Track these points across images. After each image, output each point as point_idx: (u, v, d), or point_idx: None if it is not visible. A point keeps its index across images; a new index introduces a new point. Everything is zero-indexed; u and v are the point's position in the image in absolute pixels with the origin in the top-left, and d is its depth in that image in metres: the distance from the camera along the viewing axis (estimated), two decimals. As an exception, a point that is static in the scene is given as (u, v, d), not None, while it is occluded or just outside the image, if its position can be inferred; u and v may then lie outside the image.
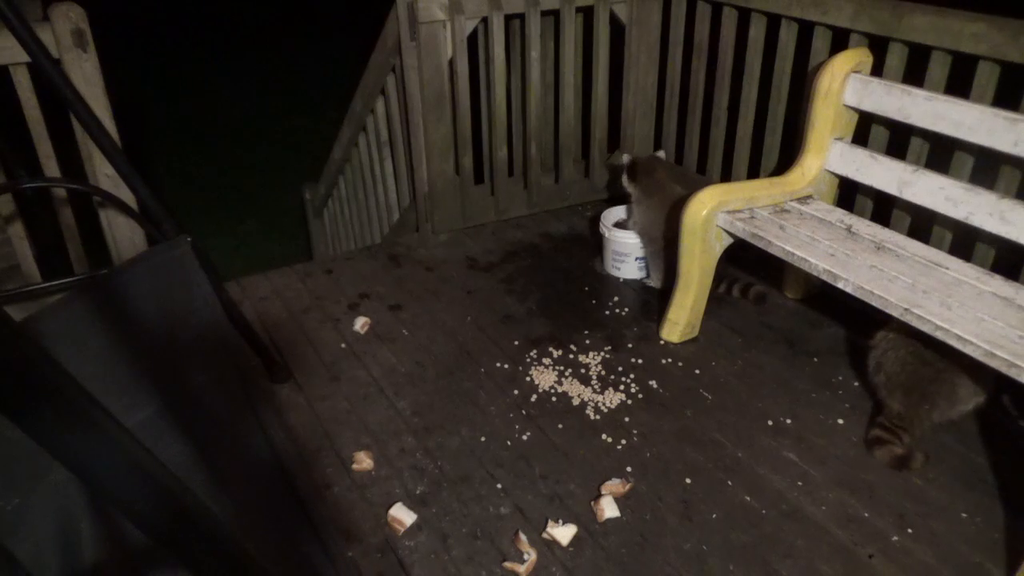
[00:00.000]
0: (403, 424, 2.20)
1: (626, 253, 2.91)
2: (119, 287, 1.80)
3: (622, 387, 2.34)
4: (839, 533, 1.83)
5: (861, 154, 2.40)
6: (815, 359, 2.45)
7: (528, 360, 2.46)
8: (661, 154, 2.99)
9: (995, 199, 2.04)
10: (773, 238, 2.25)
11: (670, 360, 2.47)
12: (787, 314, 2.70)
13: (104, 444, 0.54)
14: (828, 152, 2.47)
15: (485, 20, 2.97)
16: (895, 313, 1.94)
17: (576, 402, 2.28)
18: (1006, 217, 2.02)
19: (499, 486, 1.98)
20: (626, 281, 2.94)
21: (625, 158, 2.94)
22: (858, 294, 2.02)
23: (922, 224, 2.38)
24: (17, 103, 2.34)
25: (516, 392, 2.32)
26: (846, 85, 2.38)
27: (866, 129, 2.49)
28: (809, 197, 2.52)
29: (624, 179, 2.89)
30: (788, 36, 2.71)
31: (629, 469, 2.03)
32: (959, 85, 2.21)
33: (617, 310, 2.75)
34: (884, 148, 2.47)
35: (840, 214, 2.43)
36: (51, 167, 2.46)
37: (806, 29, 2.64)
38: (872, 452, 2.06)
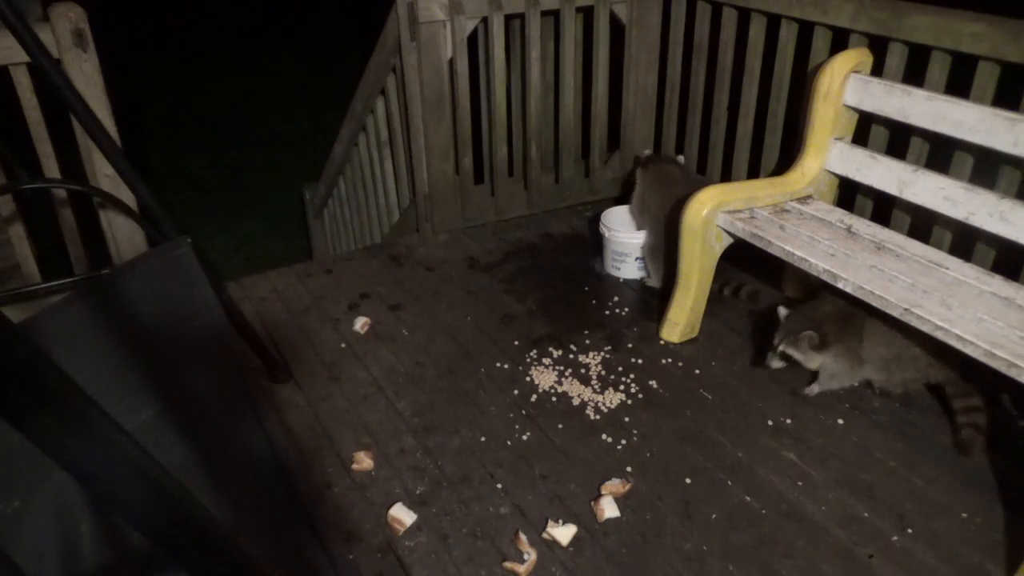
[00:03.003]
0: (403, 424, 2.20)
1: (626, 253, 2.91)
2: (119, 288, 1.80)
3: (622, 387, 2.34)
4: (839, 533, 1.83)
5: (861, 154, 2.40)
6: (815, 359, 2.45)
7: (528, 360, 2.46)
8: (681, 160, 3.06)
9: (995, 199, 2.04)
10: (773, 238, 2.25)
11: (670, 360, 2.47)
12: (787, 314, 2.70)
13: (103, 447, 0.54)
14: (828, 152, 2.47)
15: (485, 20, 2.97)
16: (895, 313, 1.94)
17: (576, 402, 2.28)
18: (1006, 217, 2.02)
19: (499, 486, 1.98)
20: (626, 281, 2.94)
21: (646, 152, 3.03)
22: (858, 294, 2.02)
23: (922, 224, 2.38)
24: (17, 103, 2.34)
25: (516, 392, 2.32)
26: (846, 85, 2.38)
27: (866, 129, 2.49)
28: (809, 197, 2.52)
29: (638, 171, 2.95)
30: (788, 36, 2.70)
31: (629, 469, 2.03)
32: (959, 85, 2.21)
33: (617, 310, 2.75)
34: (884, 148, 2.47)
35: (840, 214, 2.43)
36: (51, 167, 2.46)
37: (806, 29, 2.64)
38: (969, 451, 2.05)
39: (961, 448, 2.07)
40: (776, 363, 2.29)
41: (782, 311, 2.27)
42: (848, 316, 2.18)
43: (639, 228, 2.91)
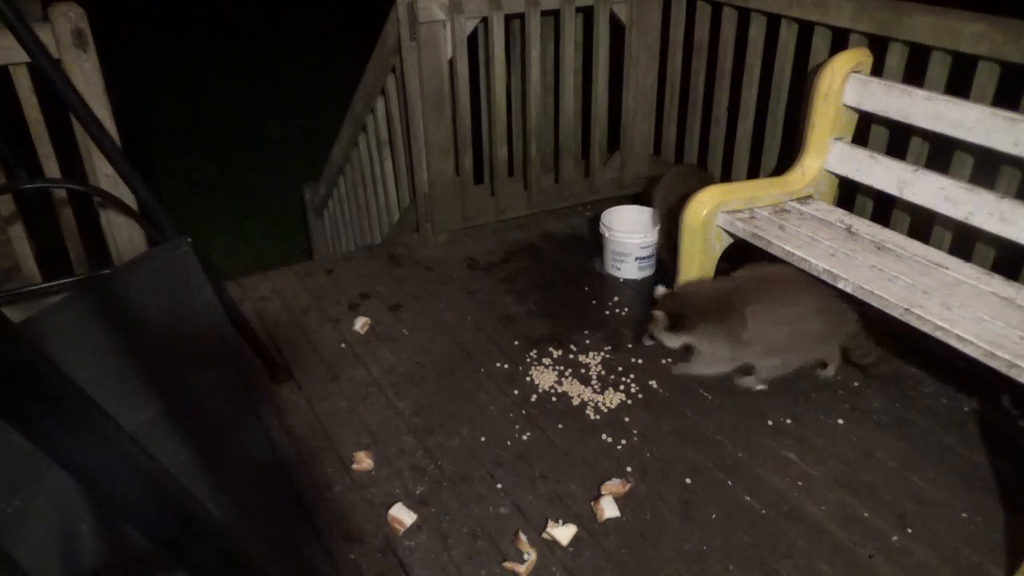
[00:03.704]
0: (403, 424, 2.20)
1: (626, 253, 2.90)
2: (119, 288, 1.80)
3: (622, 387, 2.34)
4: (839, 533, 1.83)
5: (861, 154, 2.40)
6: (815, 359, 2.45)
7: (528, 360, 2.46)
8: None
9: (995, 199, 2.04)
10: (773, 238, 2.25)
11: (670, 360, 2.47)
12: (787, 314, 2.69)
13: (104, 447, 0.54)
14: (828, 152, 2.47)
15: (485, 20, 2.97)
16: (895, 313, 1.94)
17: (576, 402, 2.28)
18: (1006, 217, 2.02)
19: (499, 486, 1.98)
20: (626, 281, 2.94)
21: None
22: (858, 294, 2.02)
23: (922, 224, 2.38)
24: (17, 103, 2.34)
25: (516, 392, 2.32)
26: (846, 85, 2.38)
27: (866, 129, 2.50)
28: (809, 197, 2.52)
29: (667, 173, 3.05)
30: (788, 36, 2.71)
31: (629, 469, 2.03)
32: (959, 85, 2.22)
33: (617, 310, 2.75)
34: (884, 148, 2.47)
35: (840, 214, 2.43)
36: (51, 167, 2.46)
37: (806, 29, 2.65)
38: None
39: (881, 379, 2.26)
40: (647, 341, 2.35)
41: (659, 290, 2.34)
42: (729, 300, 2.22)
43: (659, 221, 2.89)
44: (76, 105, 1.73)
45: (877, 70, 2.41)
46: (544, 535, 1.83)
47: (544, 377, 2.38)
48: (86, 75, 2.35)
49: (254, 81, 8.84)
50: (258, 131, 7.41)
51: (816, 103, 2.42)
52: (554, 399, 2.29)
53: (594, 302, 2.80)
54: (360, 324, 2.64)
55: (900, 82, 2.33)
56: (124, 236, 2.64)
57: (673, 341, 2.28)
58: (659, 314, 2.24)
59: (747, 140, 3.00)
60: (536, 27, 3.03)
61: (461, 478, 2.01)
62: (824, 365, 2.31)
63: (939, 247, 2.28)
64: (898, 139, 2.43)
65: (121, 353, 1.72)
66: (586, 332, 2.61)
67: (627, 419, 2.21)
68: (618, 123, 3.48)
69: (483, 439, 2.14)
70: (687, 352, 2.35)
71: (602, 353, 2.49)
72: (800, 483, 1.98)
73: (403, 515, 1.86)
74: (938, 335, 1.84)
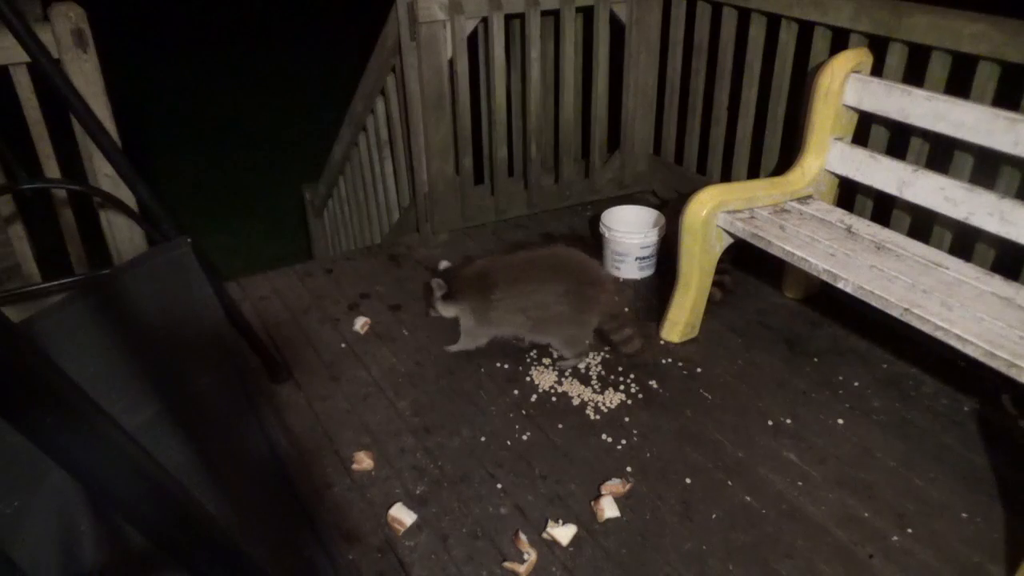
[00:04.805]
0: (403, 424, 2.20)
1: (626, 253, 2.90)
2: (119, 288, 1.80)
3: (622, 387, 2.34)
4: (839, 533, 1.83)
5: (861, 154, 2.40)
6: (815, 359, 2.45)
7: (528, 360, 2.46)
8: None
9: (995, 199, 2.04)
10: (773, 238, 2.25)
11: (670, 360, 2.47)
12: (787, 314, 2.70)
13: (104, 447, 0.54)
14: (828, 152, 2.47)
15: (485, 20, 2.97)
16: (895, 313, 1.94)
17: (576, 402, 2.28)
18: (1006, 217, 2.02)
19: (499, 486, 1.98)
20: (626, 281, 2.94)
21: None
22: (858, 294, 2.02)
23: (922, 224, 2.38)
24: (17, 103, 2.34)
25: (516, 392, 2.32)
26: (846, 85, 2.38)
27: (866, 129, 2.49)
28: (809, 197, 2.52)
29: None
30: (788, 36, 2.71)
31: (629, 469, 2.03)
32: (959, 85, 2.22)
33: (617, 310, 2.75)
34: (884, 148, 2.47)
35: (840, 214, 2.43)
36: (51, 167, 2.46)
37: (806, 29, 2.65)
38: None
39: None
40: (432, 312, 2.45)
41: (442, 264, 2.45)
42: (486, 282, 2.32)
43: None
44: (76, 105, 1.73)
45: (877, 70, 2.41)
46: (544, 535, 1.83)
47: (544, 377, 2.38)
48: (86, 75, 2.35)
49: (255, 81, 8.85)
50: (258, 131, 7.41)
51: (816, 103, 2.42)
52: (554, 399, 2.29)
53: (594, 302, 2.80)
54: (360, 324, 2.64)
55: (900, 82, 2.33)
56: (124, 236, 2.64)
57: (447, 311, 2.40)
58: (438, 281, 2.35)
59: (747, 140, 3.00)
60: (536, 27, 3.03)
61: (461, 478, 2.01)
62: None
63: (939, 247, 2.28)
64: (898, 139, 2.43)
65: (121, 353, 1.72)
66: (586, 332, 2.61)
67: (627, 419, 2.21)
68: (618, 123, 3.48)
69: (483, 439, 2.14)
70: (456, 329, 2.47)
71: (602, 353, 2.49)
72: (800, 483, 1.98)
73: (403, 515, 1.86)
74: (938, 335, 1.84)
